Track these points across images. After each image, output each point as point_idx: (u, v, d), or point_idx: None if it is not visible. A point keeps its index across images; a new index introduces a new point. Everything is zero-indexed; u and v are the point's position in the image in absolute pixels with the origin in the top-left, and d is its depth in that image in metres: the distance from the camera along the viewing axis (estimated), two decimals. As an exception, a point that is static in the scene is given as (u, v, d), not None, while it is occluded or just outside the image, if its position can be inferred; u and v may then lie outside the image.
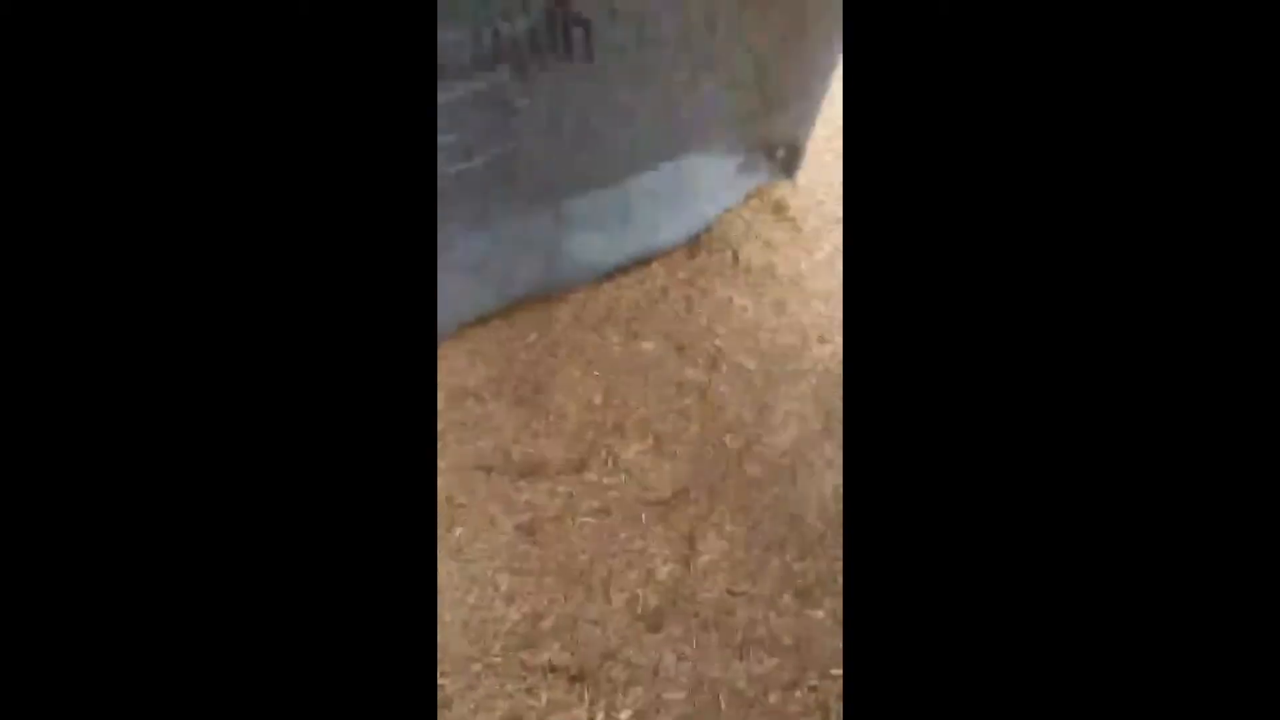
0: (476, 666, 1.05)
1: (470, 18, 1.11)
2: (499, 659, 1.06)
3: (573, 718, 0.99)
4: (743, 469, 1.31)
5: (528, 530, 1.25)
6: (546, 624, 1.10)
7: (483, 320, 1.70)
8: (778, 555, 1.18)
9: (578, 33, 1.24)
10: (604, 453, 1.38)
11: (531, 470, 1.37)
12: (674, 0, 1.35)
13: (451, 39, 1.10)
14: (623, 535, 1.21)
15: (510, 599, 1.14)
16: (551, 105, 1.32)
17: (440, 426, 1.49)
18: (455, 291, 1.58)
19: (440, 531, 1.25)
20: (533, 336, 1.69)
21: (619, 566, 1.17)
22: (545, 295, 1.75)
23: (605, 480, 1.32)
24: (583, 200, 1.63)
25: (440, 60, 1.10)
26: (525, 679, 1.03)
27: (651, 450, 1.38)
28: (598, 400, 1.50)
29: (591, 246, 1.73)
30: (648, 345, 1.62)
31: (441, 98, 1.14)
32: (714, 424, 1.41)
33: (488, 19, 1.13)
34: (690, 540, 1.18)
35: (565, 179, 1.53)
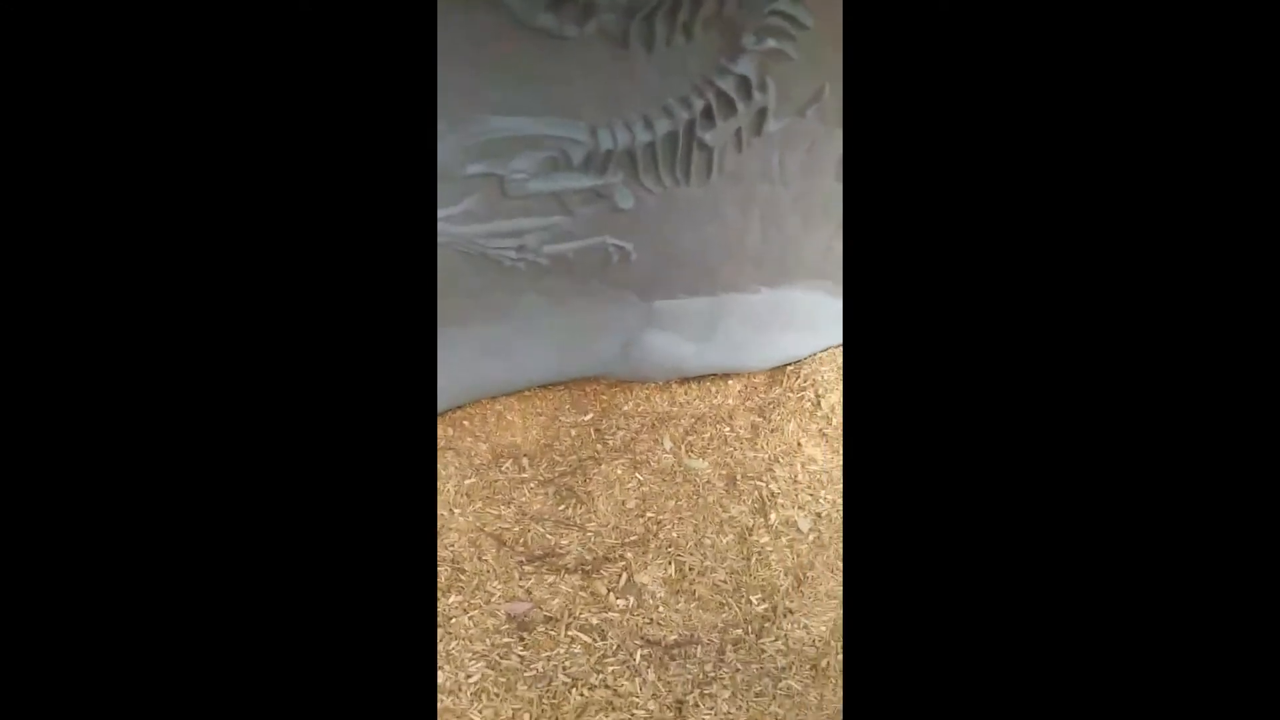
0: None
1: (590, 117, 1.13)
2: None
3: None
4: (760, 643, 1.18)
5: (519, 624, 1.17)
6: (502, 739, 1.00)
7: (548, 386, 1.70)
8: (771, 756, 1.04)
9: (699, 157, 1.23)
10: (621, 566, 1.30)
11: (543, 556, 1.31)
12: (801, 143, 1.34)
13: (567, 136, 1.12)
14: (611, 669, 1.11)
15: (476, 694, 1.05)
16: (657, 213, 1.33)
17: (472, 480, 1.47)
18: (526, 355, 1.61)
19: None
20: (589, 416, 1.67)
21: (597, 702, 1.06)
22: (615, 381, 1.74)
23: (613, 598, 1.23)
24: (672, 302, 1.63)
25: (551, 153, 1.12)
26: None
27: (670, 581, 1.28)
28: (631, 505, 1.44)
29: (670, 347, 1.71)
30: (699, 464, 1.55)
31: (547, 186, 1.17)
32: (745, 577, 1.30)
33: (608, 122, 1.14)
34: (679, 709, 1.06)
35: (658, 279, 1.53)
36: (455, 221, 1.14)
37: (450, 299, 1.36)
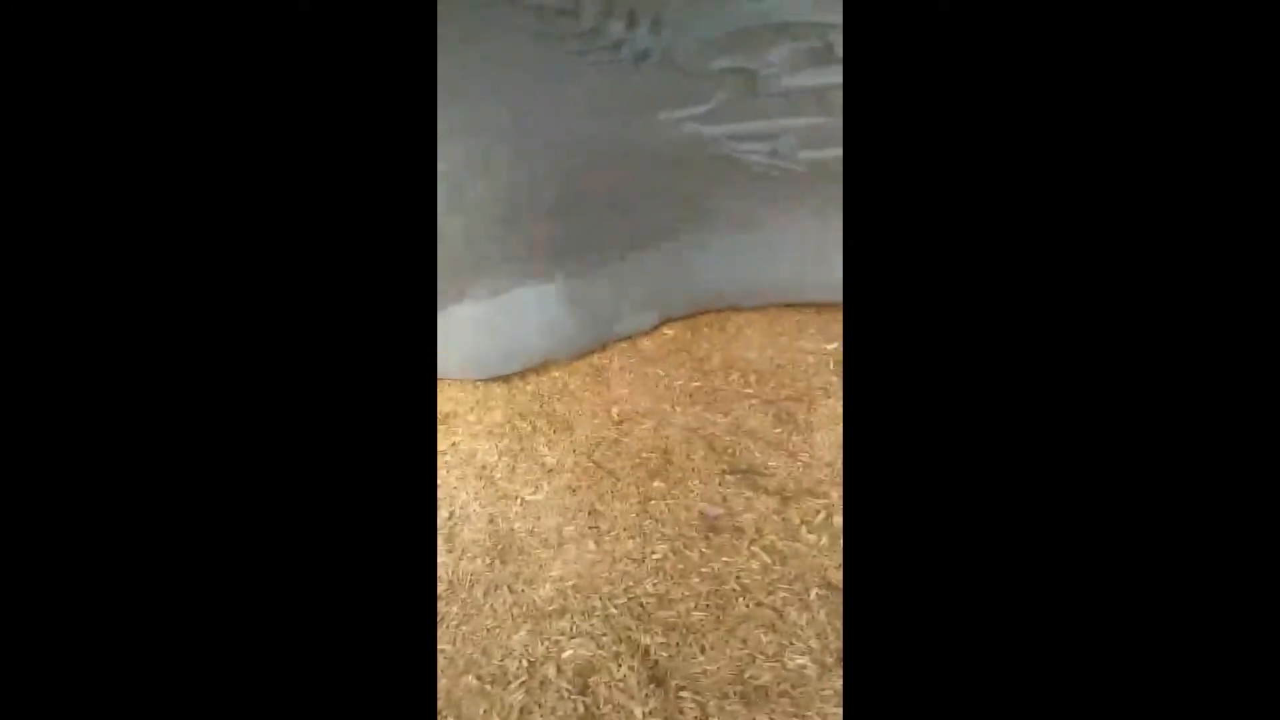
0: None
1: None
2: (615, 611, 1.10)
3: None
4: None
5: (709, 525, 1.23)
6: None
7: (795, 306, 1.63)
8: None
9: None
10: (824, 503, 1.22)
11: (748, 470, 1.32)
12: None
13: (831, 22, 0.94)
14: (782, 594, 1.09)
15: (655, 569, 1.16)
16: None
17: (698, 384, 1.52)
18: (775, 270, 1.55)
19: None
20: (833, 345, 1.55)
21: (760, 619, 1.06)
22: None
23: (805, 531, 1.18)
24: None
25: (812, 43, 0.95)
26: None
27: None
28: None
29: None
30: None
31: (806, 81, 1.02)
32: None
33: None
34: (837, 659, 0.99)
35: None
36: (706, 120, 1.11)
37: (686, 207, 1.36)
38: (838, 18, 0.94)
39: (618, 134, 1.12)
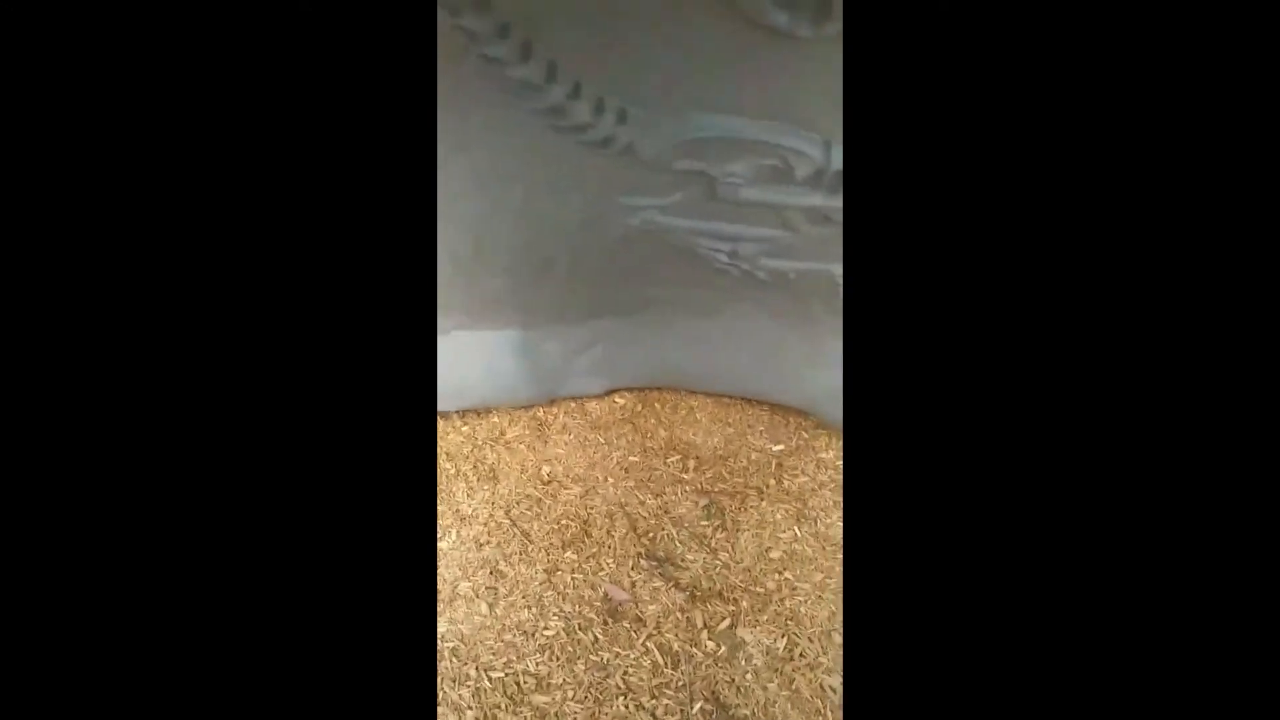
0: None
1: (826, 131, 0.99)
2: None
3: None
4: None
5: (610, 609, 1.17)
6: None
7: (751, 401, 1.63)
8: None
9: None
10: (731, 610, 1.18)
11: (664, 560, 1.27)
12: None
13: (793, 147, 1.01)
14: (665, 702, 1.03)
15: (544, 646, 1.10)
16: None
17: (636, 460, 1.50)
18: (730, 361, 1.56)
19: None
20: (779, 448, 1.55)
21: (638, 725, 1.00)
22: (821, 422, 1.57)
23: (705, 637, 1.13)
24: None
25: (773, 162, 1.00)
26: None
27: (772, 655, 1.12)
28: (775, 556, 1.29)
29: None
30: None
31: (764, 196, 1.06)
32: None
33: None
34: None
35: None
36: (666, 212, 1.13)
37: (651, 285, 1.38)
38: (797, 142, 0.98)
39: (580, 208, 1.15)
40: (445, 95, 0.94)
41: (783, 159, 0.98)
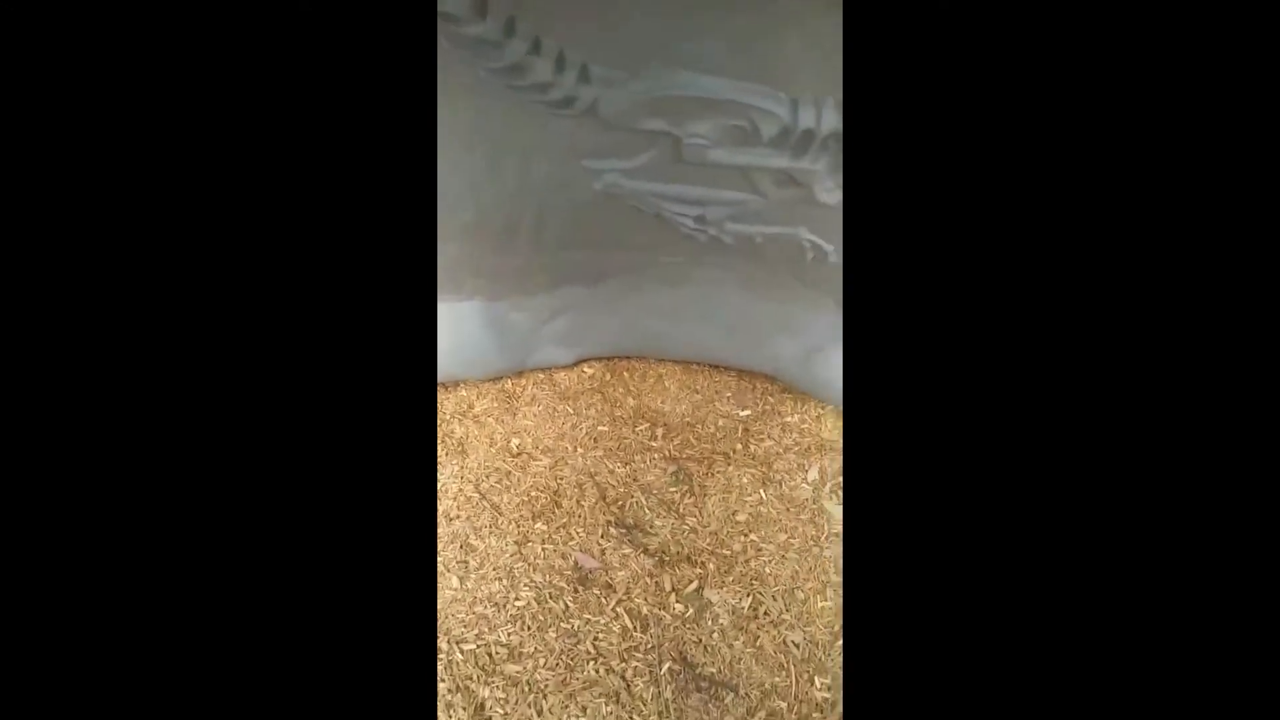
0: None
1: (795, 91, 0.97)
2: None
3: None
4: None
5: (581, 577, 1.20)
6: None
7: (718, 368, 1.64)
8: None
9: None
10: (698, 572, 1.21)
11: (632, 527, 1.30)
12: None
13: (759, 106, 0.98)
14: (634, 664, 1.06)
15: (515, 616, 1.11)
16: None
17: (605, 429, 1.51)
18: (696, 329, 1.56)
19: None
20: (746, 413, 1.57)
21: (605, 685, 1.03)
22: (786, 387, 1.59)
23: (674, 600, 1.17)
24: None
25: (739, 122, 0.98)
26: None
27: (738, 614, 1.16)
28: (741, 519, 1.32)
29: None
30: (835, 511, 1.34)
31: (730, 159, 1.06)
32: (821, 655, 1.11)
33: (815, 99, 0.97)
34: None
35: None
36: (631, 175, 1.10)
37: (618, 251, 1.36)
38: (763, 101, 0.96)
39: (543, 172, 1.11)
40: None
41: (749, 119, 0.95)
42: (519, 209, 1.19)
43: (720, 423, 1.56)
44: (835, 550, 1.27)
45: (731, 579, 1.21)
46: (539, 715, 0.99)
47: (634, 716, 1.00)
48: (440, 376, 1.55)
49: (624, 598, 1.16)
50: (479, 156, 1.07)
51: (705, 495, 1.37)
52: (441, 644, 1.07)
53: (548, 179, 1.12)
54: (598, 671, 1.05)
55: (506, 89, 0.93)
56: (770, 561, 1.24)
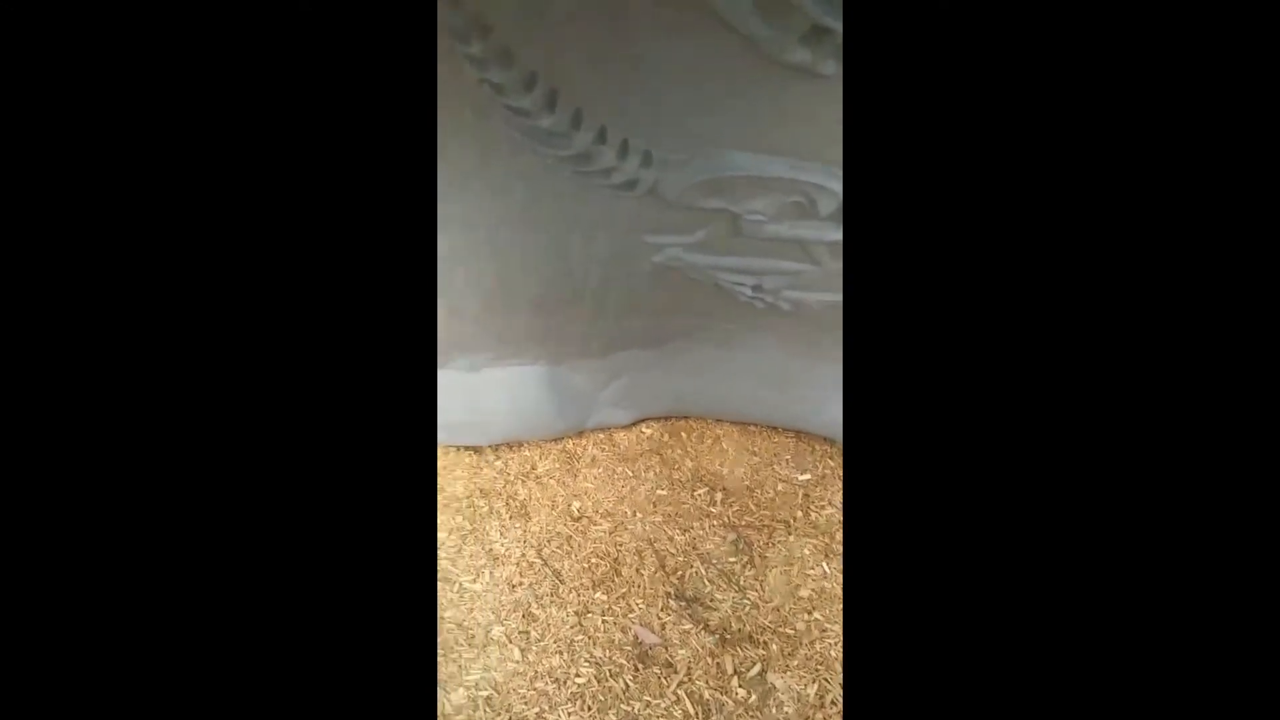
0: None
1: None
2: None
3: None
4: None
5: (641, 653, 1.19)
6: None
7: (777, 430, 1.61)
8: None
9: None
10: (761, 654, 1.18)
11: (693, 600, 1.28)
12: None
13: (816, 182, 0.98)
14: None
15: (575, 694, 1.12)
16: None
17: (664, 493, 1.51)
18: (755, 390, 1.55)
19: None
20: (806, 477, 1.53)
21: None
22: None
23: (736, 684, 1.14)
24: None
25: (796, 199, 0.97)
26: None
27: (804, 702, 1.12)
28: (804, 595, 1.29)
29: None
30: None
31: (788, 232, 1.06)
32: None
33: None
34: None
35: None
36: (691, 249, 1.12)
37: (675, 317, 1.38)
38: (820, 178, 0.96)
39: (606, 246, 1.15)
40: (475, 143, 0.94)
41: (806, 195, 0.96)
42: (582, 281, 1.23)
43: (780, 487, 1.53)
44: (905, 634, 1.22)
45: (796, 663, 1.17)
46: (601, 804, 0.98)
47: (697, 813, 0.98)
48: (505, 437, 1.59)
49: (685, 679, 1.15)
50: (546, 234, 1.12)
51: (766, 567, 1.35)
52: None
53: (610, 252, 1.16)
54: (659, 760, 1.03)
55: (573, 173, 0.98)
56: (836, 643, 1.20)
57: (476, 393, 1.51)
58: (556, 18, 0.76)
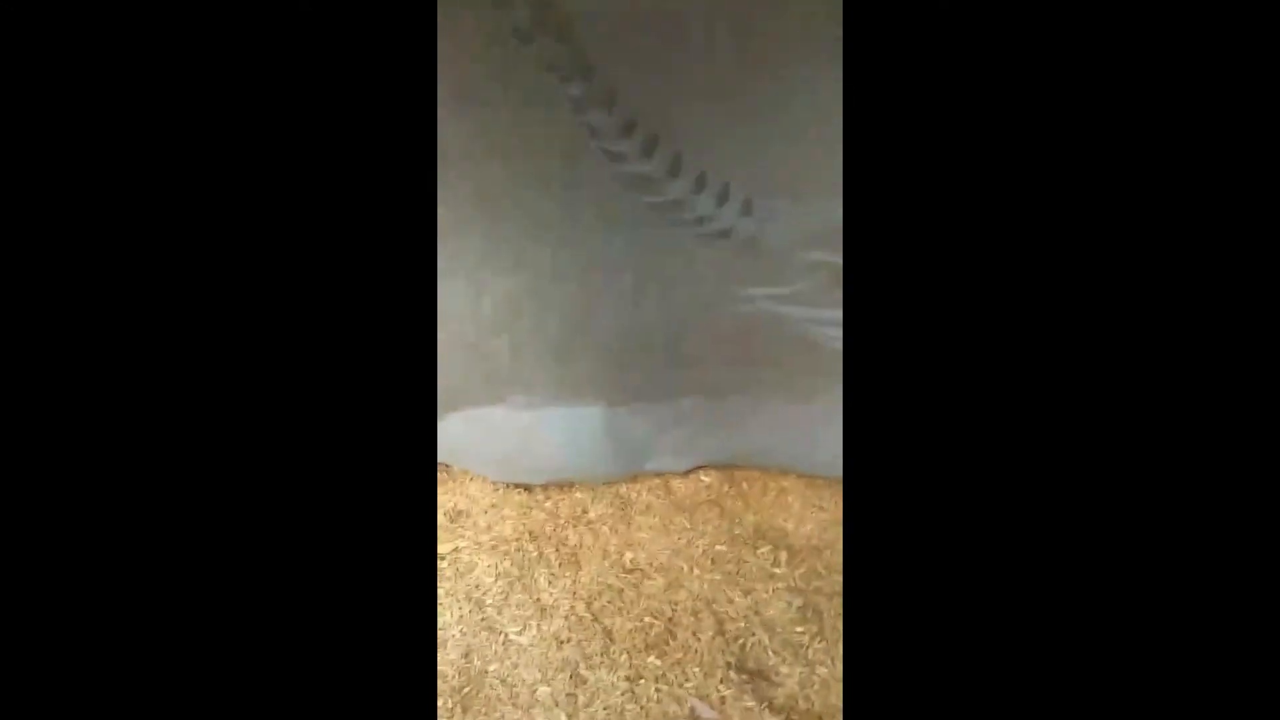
0: None
1: None
2: None
3: None
4: None
5: None
6: None
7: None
8: None
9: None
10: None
11: (755, 673, 1.17)
12: None
13: None
14: None
15: None
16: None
17: (723, 548, 1.40)
18: (829, 443, 1.44)
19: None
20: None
21: None
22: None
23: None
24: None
25: None
26: None
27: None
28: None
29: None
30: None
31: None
32: None
33: None
34: None
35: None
36: (784, 301, 1.06)
37: (748, 367, 1.31)
38: None
39: (688, 297, 1.10)
40: (560, 191, 0.92)
41: None
42: (654, 332, 1.19)
43: (851, 549, 1.40)
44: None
45: (874, 758, 1.03)
46: None
47: None
48: (556, 477, 1.54)
49: (747, 766, 1.02)
50: (620, 284, 1.09)
51: (837, 639, 1.22)
52: (548, 799, 0.98)
53: (690, 303, 1.11)
54: None
55: (661, 221, 0.94)
56: (921, 739, 1.06)
57: (530, 430, 1.46)
58: (672, 63, 0.74)
